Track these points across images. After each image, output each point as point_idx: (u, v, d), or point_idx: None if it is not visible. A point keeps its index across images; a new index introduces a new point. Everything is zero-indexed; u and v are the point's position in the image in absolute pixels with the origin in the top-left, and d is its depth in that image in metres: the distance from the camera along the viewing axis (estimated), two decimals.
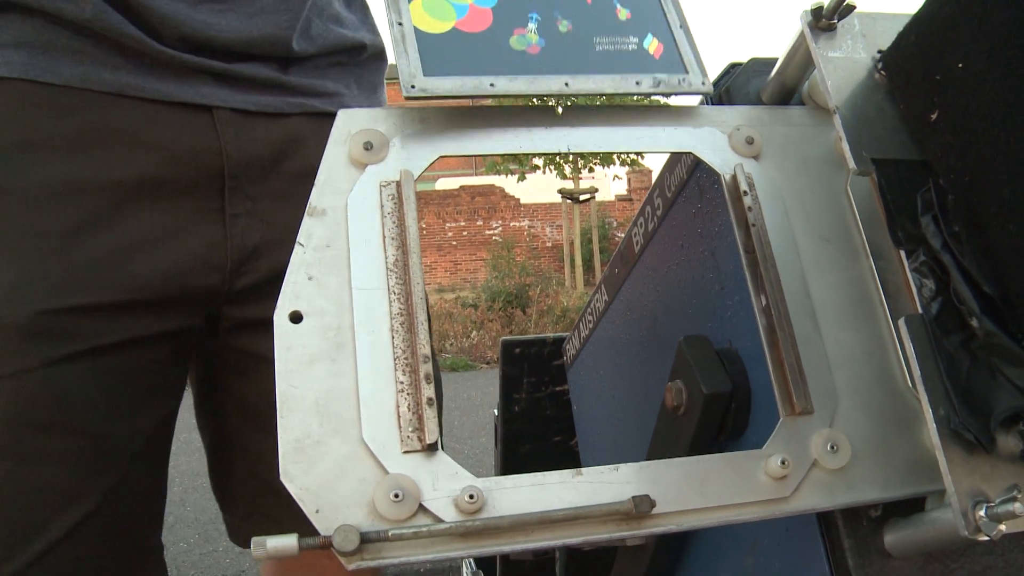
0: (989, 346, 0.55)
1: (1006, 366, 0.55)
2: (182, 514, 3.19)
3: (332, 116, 0.99)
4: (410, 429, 0.53)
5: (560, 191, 13.27)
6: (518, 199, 15.83)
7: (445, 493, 0.52)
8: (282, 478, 0.52)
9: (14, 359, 0.80)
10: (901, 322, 0.57)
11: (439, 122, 0.65)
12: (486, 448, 4.28)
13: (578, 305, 9.89)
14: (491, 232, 15.65)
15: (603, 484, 0.55)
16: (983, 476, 0.54)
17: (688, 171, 0.81)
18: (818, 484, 0.58)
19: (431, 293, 12.52)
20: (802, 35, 0.68)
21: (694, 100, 0.74)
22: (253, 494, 1.05)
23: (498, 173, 13.23)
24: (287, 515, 1.00)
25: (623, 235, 1.01)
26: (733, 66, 0.79)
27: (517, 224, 15.81)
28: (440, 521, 0.52)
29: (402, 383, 0.55)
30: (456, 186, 16.37)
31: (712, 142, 0.68)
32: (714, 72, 0.79)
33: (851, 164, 0.62)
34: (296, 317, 0.56)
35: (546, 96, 0.66)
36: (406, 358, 0.55)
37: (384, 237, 0.59)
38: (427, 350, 0.55)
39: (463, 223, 15.72)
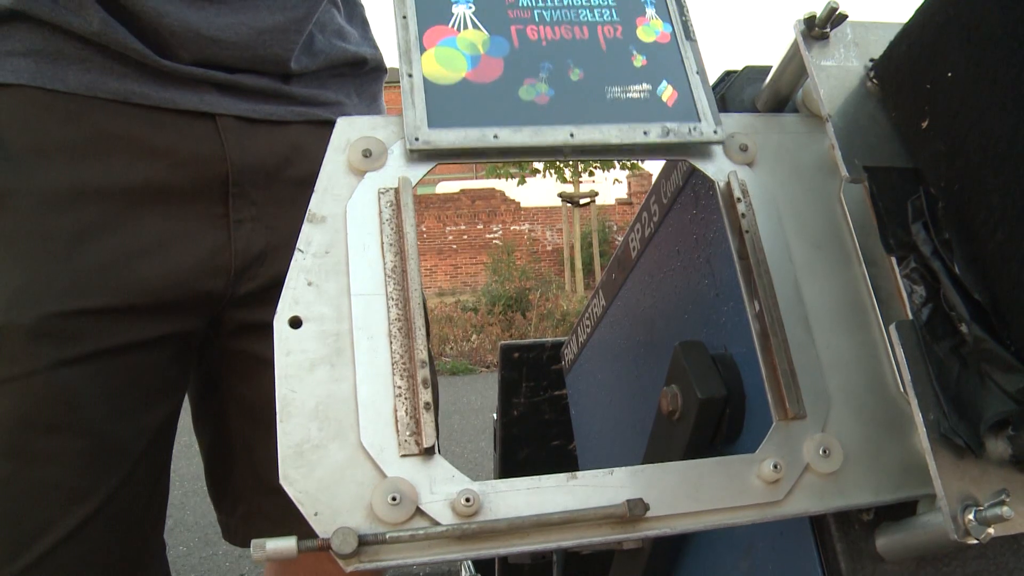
0: (979, 352, 0.56)
1: (995, 372, 0.56)
2: (182, 517, 3.19)
3: (334, 124, 1.02)
4: (408, 433, 0.54)
5: (560, 195, 13.27)
6: (518, 203, 15.83)
7: (442, 496, 0.53)
8: (281, 482, 0.53)
9: (21, 361, 0.82)
10: (892, 328, 0.58)
11: None
12: (486, 452, 4.28)
13: (578, 309, 9.88)
14: (491, 236, 15.64)
15: (598, 488, 0.55)
16: (972, 480, 0.54)
17: (684, 178, 0.81)
18: (810, 488, 0.58)
19: (431, 297, 12.53)
20: (795, 44, 0.69)
21: None
22: (254, 494, 1.06)
23: (498, 177, 13.24)
24: (287, 516, 1.01)
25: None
26: (728, 74, 0.80)
27: (517, 228, 15.81)
28: (437, 524, 0.52)
29: (400, 388, 0.55)
30: (456, 189, 16.37)
31: (707, 149, 0.69)
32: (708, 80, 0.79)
33: (843, 171, 0.63)
34: (296, 322, 0.57)
35: (551, 147, 0.65)
36: (404, 363, 0.56)
37: (382, 244, 0.60)
38: (424, 355, 0.55)
39: (463, 226, 15.72)
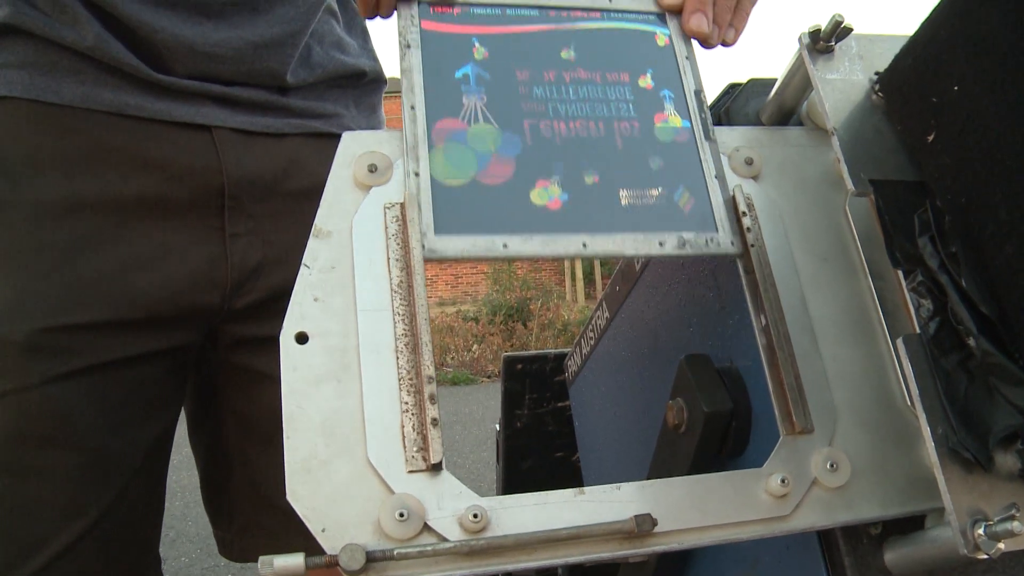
0: (987, 366, 0.56)
1: (1004, 385, 0.56)
2: (184, 528, 3.19)
3: (332, 136, 1.01)
4: (415, 449, 0.54)
5: None
6: None
7: (450, 512, 0.53)
8: (288, 498, 0.52)
9: (14, 376, 0.81)
10: (899, 341, 0.58)
11: None
12: (487, 463, 4.28)
13: (579, 319, 9.89)
14: None
15: (605, 503, 0.55)
16: (982, 494, 0.54)
17: None
18: (818, 502, 0.58)
19: (432, 307, 12.52)
20: (800, 57, 0.69)
21: None
22: (251, 508, 1.05)
23: None
24: (284, 530, 1.02)
25: None
26: (732, 87, 0.80)
27: None
28: (445, 540, 0.52)
29: (407, 403, 0.55)
30: None
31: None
32: (713, 93, 0.80)
33: (849, 185, 0.63)
34: (302, 338, 0.57)
35: (562, 258, 0.64)
36: (411, 379, 0.56)
37: (388, 259, 0.60)
38: (431, 371, 0.55)
39: None
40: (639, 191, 0.65)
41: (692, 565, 0.84)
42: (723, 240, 0.64)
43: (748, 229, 0.65)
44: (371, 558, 0.50)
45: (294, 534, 0.99)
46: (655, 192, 0.66)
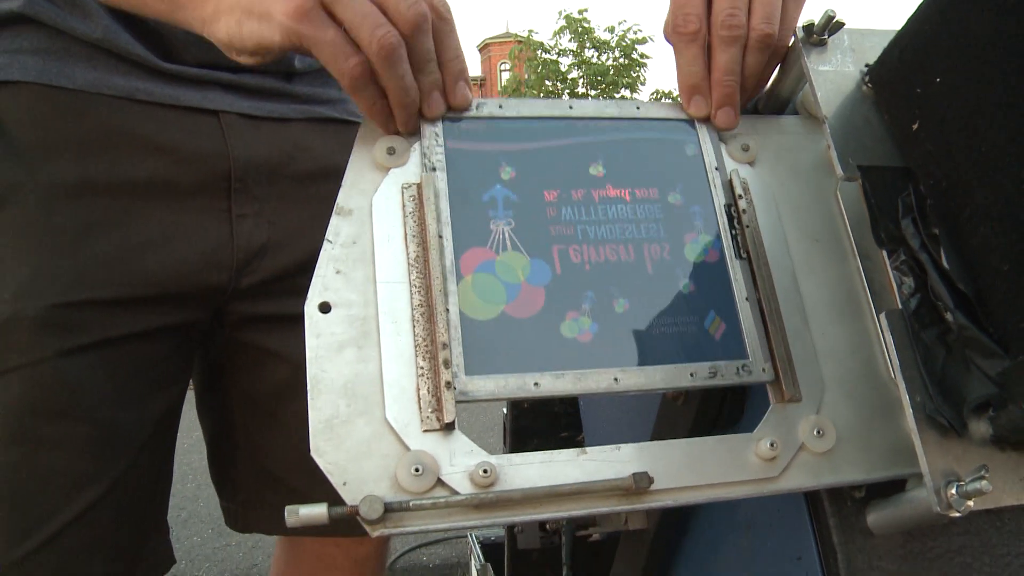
0: (963, 339, 0.60)
1: (978, 357, 0.60)
2: (195, 509, 3.24)
3: (336, 121, 1.04)
4: (429, 410, 0.58)
5: None
6: None
7: (461, 468, 0.57)
8: (312, 453, 0.56)
9: (28, 350, 0.85)
10: (882, 316, 0.62)
11: None
12: (495, 448, 4.32)
13: None
14: None
15: (606, 462, 0.59)
16: (955, 458, 0.58)
17: None
18: (805, 466, 0.62)
19: None
20: (795, 49, 0.73)
21: None
22: (254, 482, 1.09)
23: None
24: (285, 502, 1.05)
25: None
26: None
27: None
28: (456, 493, 0.56)
29: (422, 368, 0.59)
30: None
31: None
32: None
33: (838, 170, 0.67)
34: (325, 308, 0.61)
35: (594, 393, 0.62)
36: (426, 345, 0.60)
37: (406, 235, 0.64)
38: (445, 338, 0.59)
39: None
40: (669, 319, 0.65)
41: (689, 531, 0.89)
42: (755, 368, 0.64)
43: (743, 211, 0.69)
44: (388, 509, 0.54)
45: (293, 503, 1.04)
46: (685, 320, 0.65)
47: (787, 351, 0.65)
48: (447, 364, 0.59)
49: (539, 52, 31.29)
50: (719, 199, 0.70)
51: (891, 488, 0.64)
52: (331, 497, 0.56)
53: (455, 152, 0.67)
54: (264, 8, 0.64)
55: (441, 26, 0.65)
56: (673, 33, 0.71)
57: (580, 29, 30.53)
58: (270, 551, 1.16)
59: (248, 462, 1.09)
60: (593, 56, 30.79)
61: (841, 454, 0.63)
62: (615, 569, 1.00)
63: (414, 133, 0.68)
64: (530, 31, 32.68)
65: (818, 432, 0.63)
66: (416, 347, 0.60)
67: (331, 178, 1.00)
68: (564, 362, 0.61)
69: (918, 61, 0.64)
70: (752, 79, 0.72)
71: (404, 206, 0.65)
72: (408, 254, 0.63)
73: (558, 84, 31.20)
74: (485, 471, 0.57)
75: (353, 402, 0.58)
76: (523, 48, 32.05)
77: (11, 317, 0.84)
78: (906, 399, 0.59)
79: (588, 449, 0.60)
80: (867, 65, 0.71)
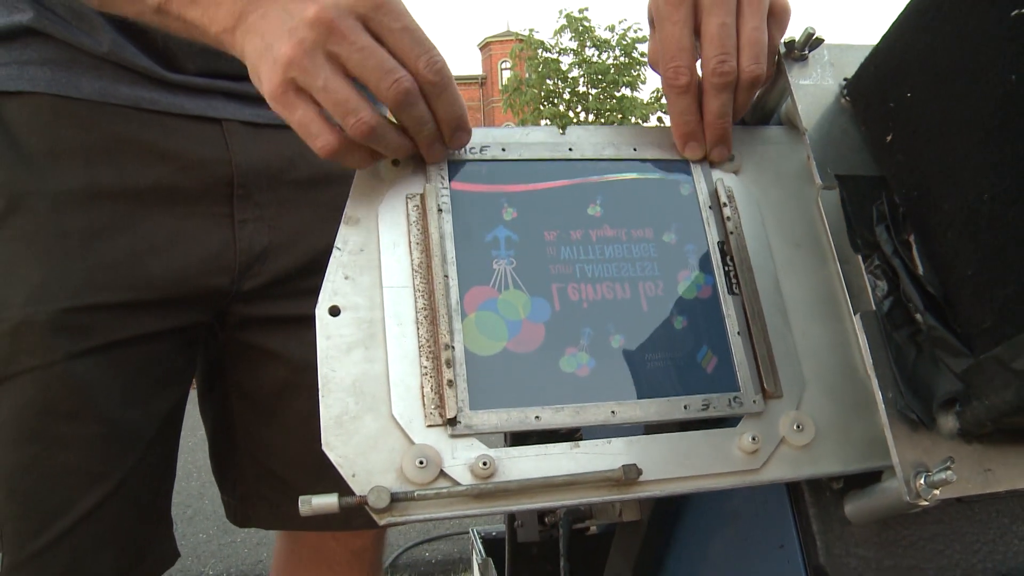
0: (932, 339, 0.64)
1: (946, 356, 0.63)
2: (201, 507, 3.29)
3: None
4: (432, 406, 0.62)
5: None
6: None
7: (462, 461, 0.61)
8: (323, 447, 0.60)
9: (40, 353, 0.87)
10: (856, 317, 0.66)
11: None
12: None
13: None
14: None
15: (598, 455, 0.63)
16: (925, 450, 0.62)
17: None
18: (785, 458, 0.66)
19: None
20: (778, 64, 0.77)
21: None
22: (252, 478, 1.13)
23: None
24: (283, 498, 1.09)
25: None
26: None
27: None
28: (458, 484, 0.60)
29: (426, 367, 0.63)
30: None
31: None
32: None
33: (817, 179, 0.71)
34: (335, 311, 0.65)
35: (592, 425, 0.65)
36: (429, 346, 0.64)
37: (410, 242, 0.68)
38: (447, 340, 0.63)
39: None
40: (663, 353, 0.68)
41: (680, 523, 0.93)
42: (746, 399, 0.67)
43: (728, 218, 0.73)
44: (395, 498, 0.58)
45: (291, 503, 1.08)
46: (679, 354, 0.68)
47: (768, 349, 0.69)
48: (449, 364, 0.63)
49: (540, 51, 31.30)
50: (712, 237, 0.73)
51: (867, 479, 0.68)
52: (328, 492, 0.60)
53: (459, 194, 0.70)
54: (255, 73, 0.66)
55: (431, 89, 0.65)
56: (665, 85, 0.73)
57: (581, 28, 30.53)
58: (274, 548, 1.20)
59: (247, 458, 1.12)
60: (594, 55, 30.80)
61: (820, 447, 0.67)
62: (611, 560, 1.04)
63: (441, 160, 0.71)
64: (531, 30, 32.64)
65: (798, 427, 0.66)
66: (420, 348, 0.64)
67: (329, 183, 1.04)
68: (563, 396, 0.65)
69: (891, 77, 0.68)
70: (741, 111, 0.75)
71: (408, 215, 0.69)
72: (412, 260, 0.67)
73: (559, 83, 31.21)
74: (484, 463, 0.61)
75: (361, 399, 0.62)
76: (524, 47, 32.06)
77: (24, 321, 0.87)
78: (879, 395, 0.63)
79: (581, 443, 0.63)
80: (845, 79, 0.75)
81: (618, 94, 30.66)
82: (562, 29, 31.06)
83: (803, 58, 0.76)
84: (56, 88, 0.90)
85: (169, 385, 1.00)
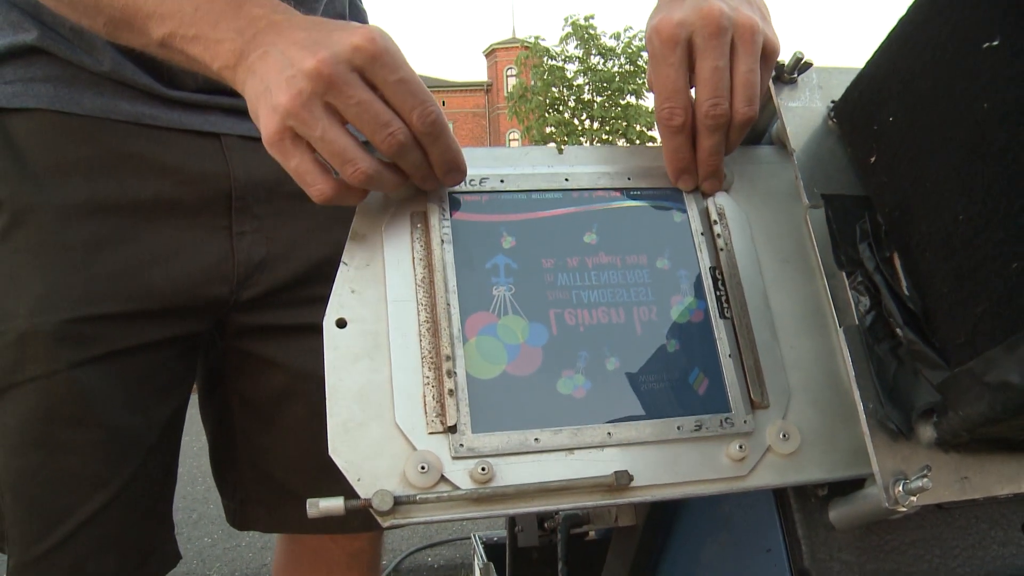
0: (911, 352, 0.67)
1: (924, 368, 0.66)
2: (206, 511, 3.32)
3: None
4: (434, 415, 0.65)
5: None
6: None
7: (462, 466, 0.64)
8: (330, 453, 0.63)
9: (45, 362, 0.90)
10: (840, 331, 0.69)
11: None
12: None
13: None
14: None
15: (591, 461, 0.66)
16: (904, 458, 0.65)
17: None
18: (771, 466, 0.69)
19: None
20: (769, 87, 0.80)
21: None
22: (251, 482, 1.15)
23: None
24: (280, 503, 1.12)
25: None
26: None
27: None
28: (458, 489, 0.63)
29: (428, 377, 0.67)
30: None
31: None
32: None
33: (804, 199, 0.74)
34: (341, 323, 0.68)
35: (589, 447, 0.67)
36: (431, 357, 0.67)
37: (413, 258, 0.71)
38: (448, 351, 0.67)
39: None
40: (656, 375, 0.70)
41: (674, 528, 0.96)
42: (737, 420, 0.69)
43: (718, 235, 0.76)
44: (398, 502, 0.61)
45: (290, 507, 1.11)
46: (671, 376, 0.71)
47: (756, 361, 0.72)
48: (450, 374, 0.66)
49: (545, 58, 31.38)
50: (704, 262, 0.75)
51: (851, 487, 0.70)
52: (325, 495, 0.62)
53: (460, 223, 0.73)
54: (253, 112, 0.69)
55: (425, 139, 0.68)
56: (659, 124, 0.75)
57: (586, 36, 30.63)
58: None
59: (247, 463, 1.15)
60: (599, 62, 30.88)
61: (805, 456, 0.70)
62: (608, 564, 1.07)
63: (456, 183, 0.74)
64: (536, 37, 32.76)
65: (784, 435, 0.69)
66: (422, 359, 0.67)
67: None
68: (561, 417, 0.67)
69: (875, 101, 0.72)
70: (733, 148, 0.77)
71: (412, 232, 0.72)
72: (416, 275, 0.70)
73: (564, 90, 31.28)
74: (483, 469, 0.64)
75: (366, 407, 0.65)
76: (529, 54, 32.15)
77: (28, 331, 0.89)
78: (860, 406, 0.66)
79: (575, 451, 0.66)
80: (833, 101, 0.78)
81: (623, 102, 30.73)
82: (568, 36, 31.17)
83: (792, 81, 0.79)
84: (59, 104, 0.92)
85: (170, 392, 1.03)
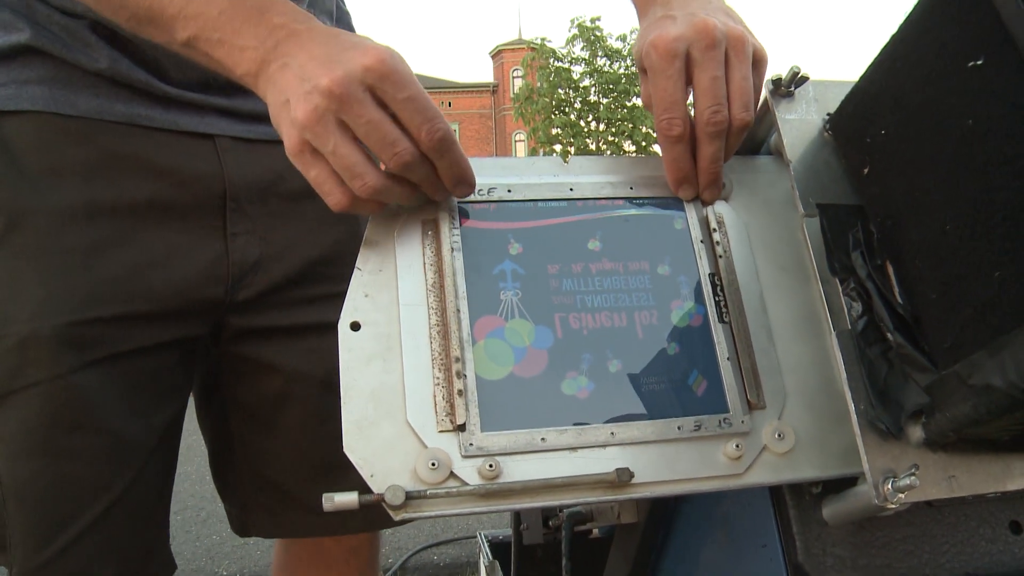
0: (901, 356, 0.70)
1: (914, 371, 0.69)
2: (214, 510, 3.34)
3: None
4: (444, 414, 0.68)
5: None
6: None
7: (471, 463, 0.67)
8: (345, 450, 0.66)
9: (46, 366, 0.90)
10: (832, 336, 0.72)
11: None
12: None
13: None
14: None
15: (593, 459, 0.69)
16: (893, 458, 0.68)
17: None
18: (767, 464, 0.71)
19: None
20: (766, 98, 0.83)
21: None
22: (251, 487, 1.16)
23: None
24: (281, 507, 1.14)
25: None
26: None
27: None
28: (466, 484, 0.66)
29: (438, 378, 0.70)
30: None
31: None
32: None
33: (799, 208, 0.77)
34: (355, 326, 0.71)
35: (593, 445, 0.70)
36: (442, 359, 0.70)
37: (424, 264, 0.74)
38: (458, 353, 0.70)
39: None
40: (657, 377, 0.73)
41: (675, 525, 0.99)
42: (735, 420, 0.72)
43: (717, 243, 0.79)
44: (409, 496, 0.64)
45: (291, 511, 1.14)
46: (671, 378, 0.73)
47: (753, 364, 0.74)
48: (459, 375, 0.69)
49: (552, 60, 31.39)
50: (704, 269, 0.78)
51: (844, 484, 0.73)
52: (321, 498, 0.65)
53: (469, 231, 0.76)
54: (275, 123, 0.72)
55: (432, 155, 0.70)
56: (659, 135, 0.78)
57: (592, 37, 30.63)
58: None
59: (246, 468, 1.15)
60: (605, 64, 30.87)
61: (800, 454, 0.72)
62: (611, 560, 1.10)
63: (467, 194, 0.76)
64: (543, 39, 32.77)
65: (779, 435, 0.72)
66: (433, 360, 0.70)
67: (314, 195, 1.05)
68: (565, 416, 0.70)
69: (868, 114, 0.74)
70: (731, 154, 0.80)
71: (423, 238, 0.75)
72: (426, 280, 0.73)
73: (570, 92, 31.28)
74: (491, 466, 0.67)
75: (379, 406, 0.68)
76: (536, 56, 32.16)
77: (30, 335, 0.89)
78: (852, 407, 0.69)
79: (579, 449, 0.69)
80: (828, 114, 0.81)
81: (629, 103, 30.73)
82: (574, 38, 31.17)
83: (790, 94, 0.82)
84: (54, 106, 0.93)
85: (168, 397, 1.03)
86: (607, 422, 0.71)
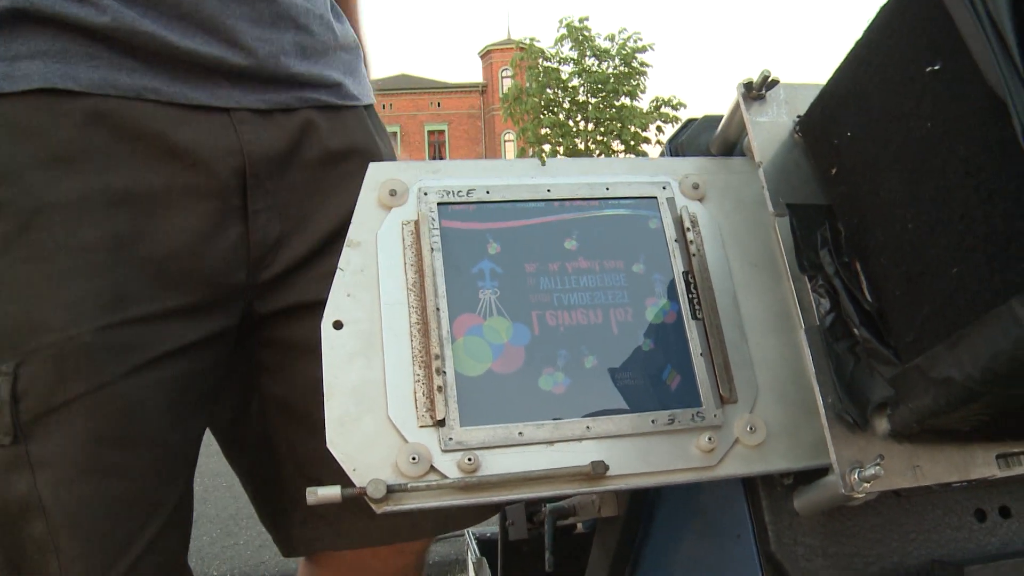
0: (867, 350, 0.72)
1: (879, 365, 0.72)
2: (204, 511, 3.36)
3: (336, 108, 1.06)
4: (424, 409, 0.70)
5: None
6: None
7: (450, 457, 0.69)
8: (328, 445, 0.68)
9: (88, 376, 0.82)
10: (801, 331, 0.74)
11: (448, 171, 0.82)
12: None
13: None
14: None
15: (570, 452, 0.71)
16: (860, 449, 0.70)
17: None
18: (738, 457, 0.74)
19: None
20: (738, 102, 0.85)
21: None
22: (304, 497, 1.06)
23: None
24: (340, 512, 0.97)
25: None
26: (689, 121, 0.96)
27: None
28: (446, 478, 0.68)
29: (418, 375, 0.72)
30: None
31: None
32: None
33: (770, 208, 0.79)
34: (338, 325, 0.73)
35: (570, 440, 0.72)
36: (422, 356, 0.72)
37: (405, 264, 0.76)
38: (437, 351, 0.72)
39: None
40: (632, 373, 0.75)
41: (654, 517, 1.01)
42: (707, 414, 0.74)
43: (691, 241, 0.81)
44: (390, 490, 0.66)
45: (350, 515, 1.02)
46: (645, 373, 0.75)
47: (725, 359, 0.77)
48: (439, 372, 0.71)
49: (540, 60, 31.42)
50: (678, 267, 0.80)
51: (814, 476, 0.75)
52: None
53: (449, 231, 0.78)
54: None
55: None
56: None
57: (581, 37, 30.68)
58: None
59: (295, 476, 1.05)
60: (594, 64, 30.93)
61: (771, 447, 0.75)
62: (593, 553, 1.12)
63: None
64: (531, 39, 32.78)
65: (751, 428, 0.74)
66: (413, 357, 0.72)
67: (334, 161, 1.03)
68: (542, 411, 0.72)
69: (835, 116, 0.77)
70: None
71: (404, 240, 0.77)
72: (407, 279, 0.75)
73: (559, 92, 31.32)
74: (470, 459, 0.69)
75: (361, 403, 0.70)
76: (525, 56, 32.19)
77: (67, 344, 0.81)
78: (820, 400, 0.71)
79: (556, 443, 0.72)
80: (798, 116, 0.83)
81: (618, 103, 30.80)
82: (562, 38, 31.21)
83: (761, 97, 0.84)
84: (52, 81, 0.83)
85: (204, 405, 0.98)
86: (583, 416, 0.73)
